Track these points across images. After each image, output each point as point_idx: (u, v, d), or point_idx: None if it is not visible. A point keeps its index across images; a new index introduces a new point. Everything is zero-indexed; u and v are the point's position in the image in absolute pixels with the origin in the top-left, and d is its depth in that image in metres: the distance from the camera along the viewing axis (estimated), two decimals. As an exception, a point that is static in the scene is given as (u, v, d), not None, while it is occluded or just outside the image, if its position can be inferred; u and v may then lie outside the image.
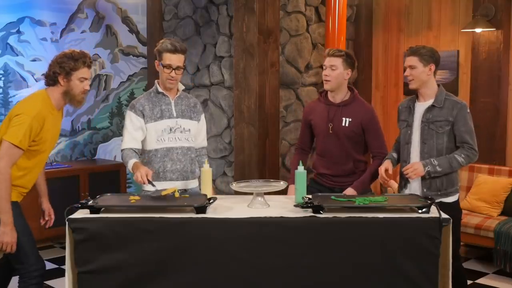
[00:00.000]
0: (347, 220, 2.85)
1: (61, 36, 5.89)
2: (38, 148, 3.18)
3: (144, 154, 3.48)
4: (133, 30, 6.40)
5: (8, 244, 3.09)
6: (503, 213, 5.01)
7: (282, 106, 5.58)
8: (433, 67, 3.42)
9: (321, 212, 2.89)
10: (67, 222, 2.84)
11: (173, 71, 3.37)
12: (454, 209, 3.33)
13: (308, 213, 2.91)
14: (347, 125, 3.66)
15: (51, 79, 3.20)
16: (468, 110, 3.44)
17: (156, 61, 3.44)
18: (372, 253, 2.84)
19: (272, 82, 5.05)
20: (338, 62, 3.63)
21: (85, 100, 3.32)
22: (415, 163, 3.37)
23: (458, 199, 3.51)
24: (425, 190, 3.41)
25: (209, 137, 5.89)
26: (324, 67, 3.69)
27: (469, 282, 4.57)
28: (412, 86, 3.46)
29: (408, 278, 2.83)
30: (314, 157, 3.93)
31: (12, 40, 5.62)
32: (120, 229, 2.83)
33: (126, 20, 6.35)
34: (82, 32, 6.02)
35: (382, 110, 6.32)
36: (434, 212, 2.88)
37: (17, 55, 5.65)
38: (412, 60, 3.42)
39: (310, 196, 3.05)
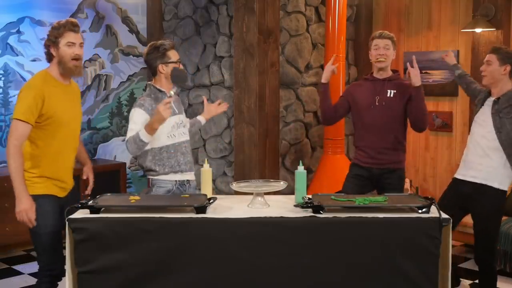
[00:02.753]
0: (347, 220, 2.85)
1: (61, 36, 5.89)
2: (52, 122, 3.19)
3: (153, 151, 3.48)
4: (133, 30, 6.40)
5: (23, 212, 3.14)
6: (503, 213, 5.01)
7: (282, 106, 5.59)
8: (508, 68, 3.59)
9: (321, 212, 2.89)
10: (67, 222, 2.84)
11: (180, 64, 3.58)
12: (500, 197, 3.64)
13: (308, 213, 2.91)
14: (391, 96, 3.93)
15: (47, 55, 3.29)
16: None
17: (160, 65, 3.49)
18: (372, 253, 2.84)
19: (272, 82, 5.05)
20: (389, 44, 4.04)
21: (80, 68, 3.31)
22: None
23: (505, 190, 3.67)
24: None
25: (209, 137, 5.89)
26: (376, 48, 4.00)
27: (469, 282, 4.58)
28: (484, 81, 3.68)
29: (408, 278, 2.83)
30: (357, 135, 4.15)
31: (12, 40, 5.62)
32: (120, 229, 2.83)
33: (126, 20, 6.35)
34: (82, 32, 6.00)
35: (382, 110, 6.32)
36: (434, 212, 2.88)
37: (17, 55, 5.65)
38: (491, 57, 3.62)
39: (310, 196, 3.06)
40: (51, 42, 3.25)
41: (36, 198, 3.19)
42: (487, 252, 3.74)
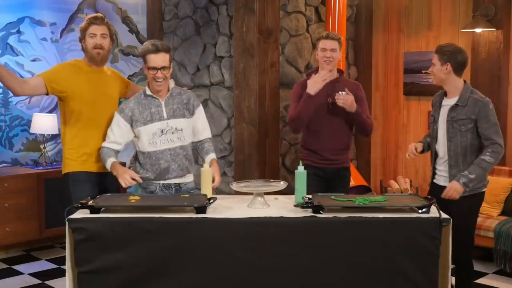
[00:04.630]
0: (347, 220, 2.85)
1: (61, 36, 5.89)
2: (72, 98, 3.53)
3: (139, 155, 3.50)
4: (133, 30, 6.40)
5: None
6: (503, 213, 5.02)
7: (282, 106, 5.58)
8: (449, 67, 3.50)
9: (321, 212, 2.89)
10: (67, 222, 2.84)
11: (158, 71, 3.34)
12: (477, 199, 3.58)
13: (308, 213, 2.91)
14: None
15: (81, 46, 3.66)
16: (491, 106, 3.54)
17: (143, 65, 3.43)
18: (372, 253, 2.84)
19: (272, 82, 5.05)
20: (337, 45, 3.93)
21: (102, 55, 3.61)
22: (451, 184, 3.48)
23: (484, 191, 3.63)
24: None
25: (209, 137, 5.88)
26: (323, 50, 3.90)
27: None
28: (433, 82, 3.67)
29: (408, 278, 2.83)
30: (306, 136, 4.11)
31: (12, 40, 5.62)
32: (120, 229, 2.84)
33: (126, 20, 6.35)
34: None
35: (382, 110, 6.31)
36: (434, 212, 2.88)
37: (17, 55, 5.65)
38: (434, 57, 3.56)
39: (310, 196, 3.06)
40: (81, 35, 3.63)
41: (78, 174, 3.56)
42: (468, 246, 3.67)
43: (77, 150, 3.57)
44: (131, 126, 3.42)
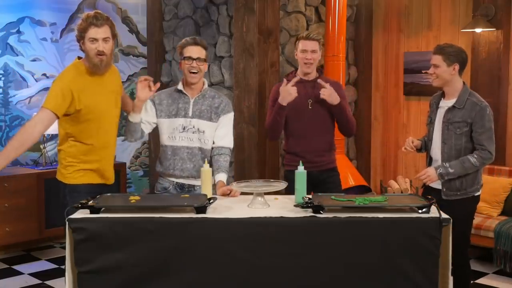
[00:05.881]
0: (347, 220, 2.84)
1: (61, 36, 5.90)
2: (90, 117, 3.26)
3: (160, 148, 3.55)
4: (133, 30, 6.40)
5: None
6: (503, 213, 5.02)
7: (282, 106, 5.59)
8: (457, 67, 3.47)
9: (321, 212, 2.89)
10: (67, 222, 2.83)
11: (194, 61, 3.38)
12: (471, 202, 3.56)
13: (308, 213, 2.91)
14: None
15: (79, 46, 3.30)
16: (488, 111, 3.49)
17: (180, 61, 3.46)
18: (372, 253, 2.84)
19: (272, 82, 5.05)
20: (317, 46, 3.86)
21: (106, 62, 3.32)
22: (428, 169, 3.55)
23: (478, 195, 3.62)
24: (444, 189, 3.55)
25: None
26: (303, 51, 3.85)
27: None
28: (434, 84, 3.57)
29: (408, 278, 2.83)
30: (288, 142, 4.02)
31: (12, 40, 5.62)
32: (120, 229, 2.83)
33: (126, 20, 6.35)
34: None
35: (382, 110, 6.32)
36: (434, 212, 2.88)
37: (17, 55, 5.65)
38: (437, 59, 3.48)
39: (310, 196, 3.06)
40: (80, 36, 3.25)
41: (77, 187, 3.31)
42: (464, 248, 3.64)
43: (79, 163, 3.35)
44: (156, 113, 3.46)
